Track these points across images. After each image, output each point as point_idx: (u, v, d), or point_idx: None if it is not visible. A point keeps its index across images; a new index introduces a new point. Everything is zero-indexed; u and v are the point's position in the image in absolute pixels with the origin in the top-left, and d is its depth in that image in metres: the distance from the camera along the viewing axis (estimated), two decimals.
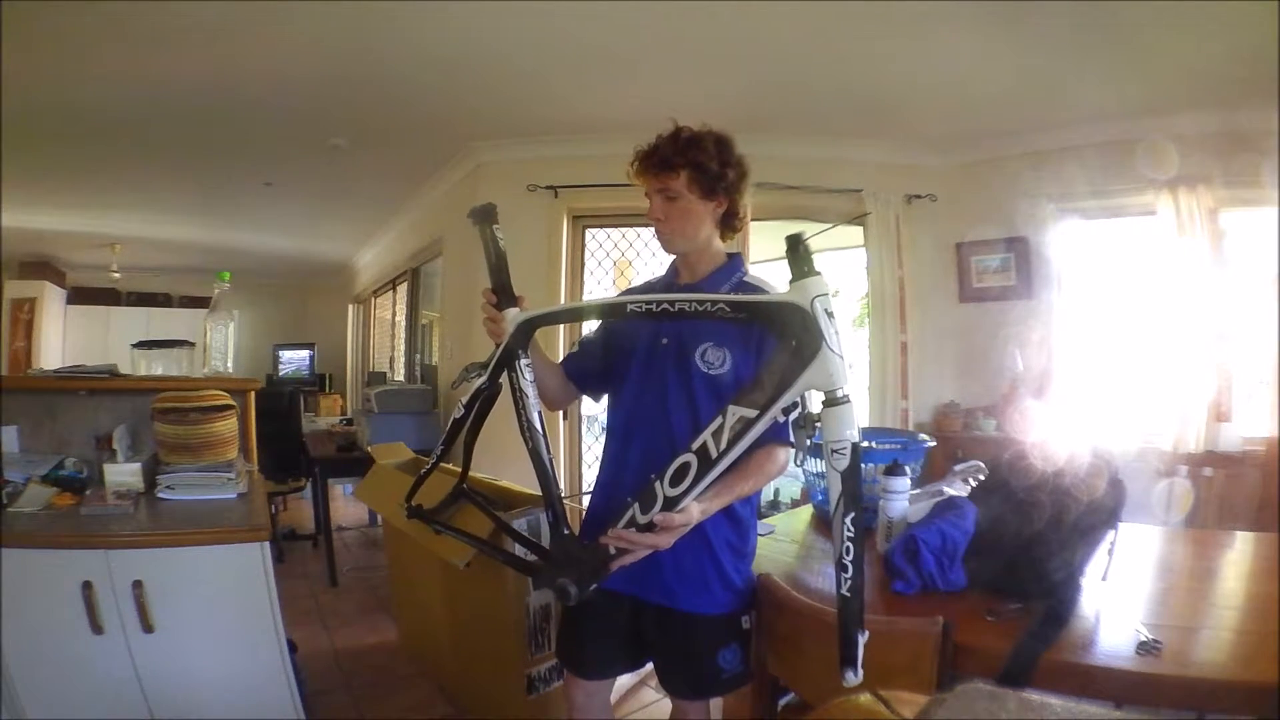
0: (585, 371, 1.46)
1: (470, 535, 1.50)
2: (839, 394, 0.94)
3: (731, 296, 1.06)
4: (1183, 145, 3.01)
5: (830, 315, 0.94)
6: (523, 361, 1.28)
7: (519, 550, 1.45)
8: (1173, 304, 3.15)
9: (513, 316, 1.29)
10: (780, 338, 0.99)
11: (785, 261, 0.97)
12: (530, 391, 1.27)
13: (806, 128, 3.45)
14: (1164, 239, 3.18)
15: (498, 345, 1.31)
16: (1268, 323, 2.84)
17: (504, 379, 1.31)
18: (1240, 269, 3.04)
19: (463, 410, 1.36)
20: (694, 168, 1.28)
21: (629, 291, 1.54)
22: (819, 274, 0.95)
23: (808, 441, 1.05)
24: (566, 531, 1.23)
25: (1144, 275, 3.31)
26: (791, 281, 0.96)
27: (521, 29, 2.51)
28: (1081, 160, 3.21)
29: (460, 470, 1.54)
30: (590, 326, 1.58)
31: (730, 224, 1.37)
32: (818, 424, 0.97)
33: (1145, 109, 3.02)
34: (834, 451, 0.94)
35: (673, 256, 1.42)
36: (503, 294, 1.30)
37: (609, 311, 1.32)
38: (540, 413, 1.28)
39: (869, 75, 2.87)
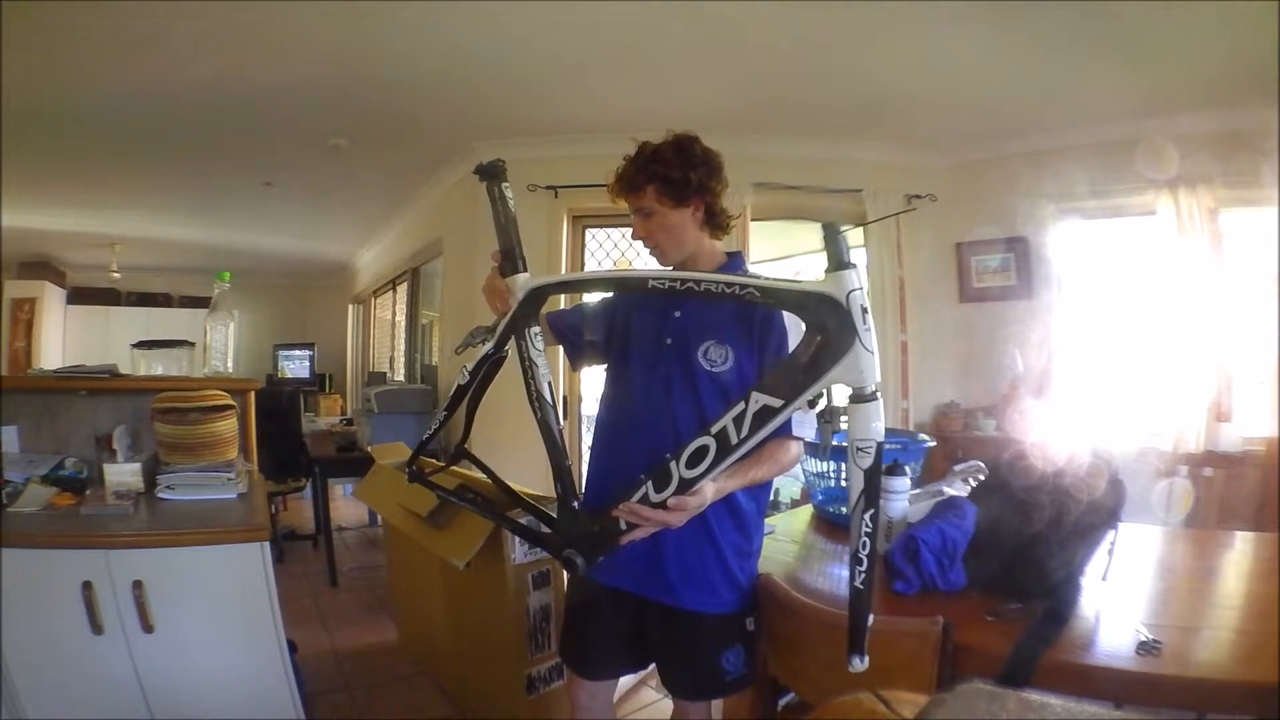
0: (574, 336, 1.44)
1: (476, 502, 1.46)
2: (867, 390, 0.93)
3: (760, 281, 1.03)
4: (1183, 145, 3.01)
5: (865, 311, 0.92)
6: (533, 329, 1.24)
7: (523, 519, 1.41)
8: (1173, 304, 3.15)
9: (523, 282, 1.25)
10: (810, 328, 0.96)
11: (823, 246, 0.94)
12: (540, 361, 1.24)
13: (806, 128, 3.45)
14: (1164, 239, 3.18)
15: (501, 315, 1.27)
16: (1268, 323, 2.84)
17: (510, 347, 1.27)
18: (1240, 269, 3.04)
19: (467, 377, 1.32)
20: (658, 180, 1.29)
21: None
22: (854, 266, 0.92)
23: (832, 435, 1.04)
24: (575, 504, 1.20)
25: (1144, 275, 3.31)
26: (827, 272, 0.93)
27: (522, 29, 2.51)
28: (1081, 160, 3.20)
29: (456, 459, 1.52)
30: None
31: (715, 222, 1.35)
32: (843, 417, 0.96)
33: (1145, 109, 3.02)
34: (859, 449, 0.94)
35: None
36: (509, 258, 1.26)
37: (628, 284, 1.28)
38: (550, 383, 1.24)
39: (869, 75, 2.87)
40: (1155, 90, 2.87)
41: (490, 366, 1.30)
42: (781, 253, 4.94)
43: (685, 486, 1.05)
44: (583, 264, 3.78)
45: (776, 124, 3.35)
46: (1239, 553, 1.64)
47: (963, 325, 3.73)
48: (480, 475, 1.49)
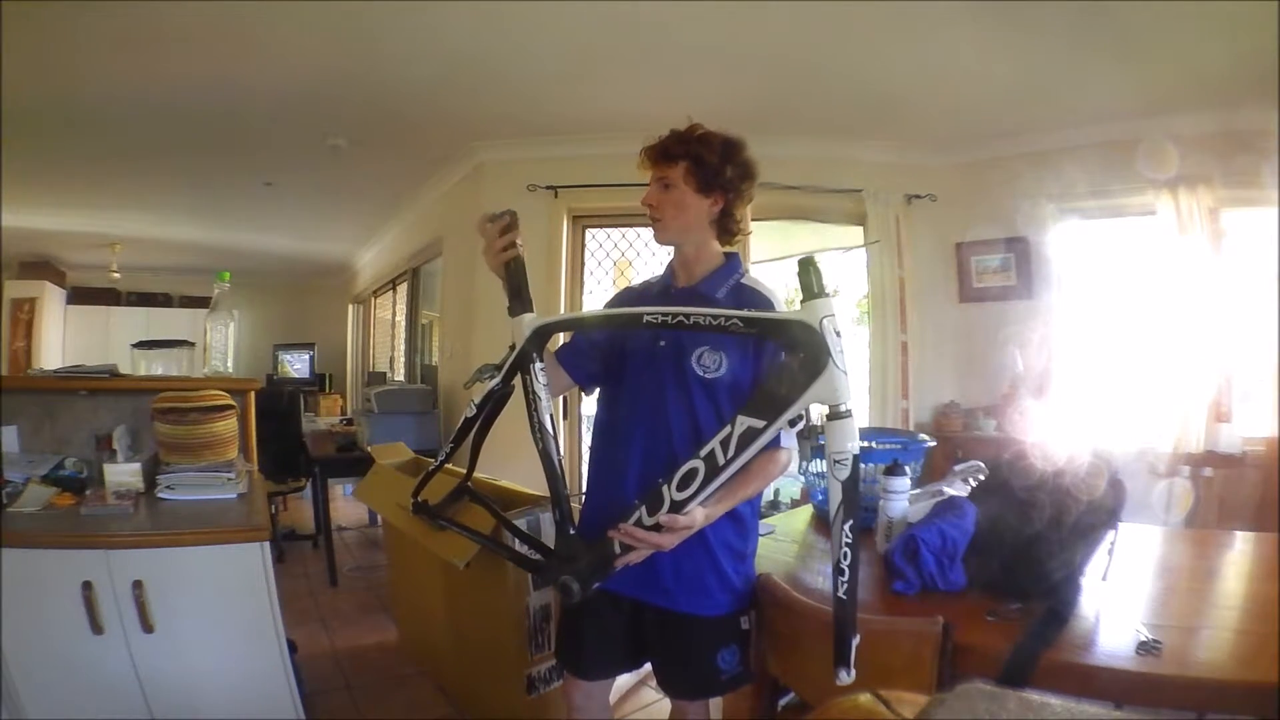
0: (580, 365, 1.45)
1: (475, 531, 1.51)
2: (842, 408, 1.01)
3: (745, 313, 1.11)
4: (1183, 145, 3.01)
5: (838, 335, 1.02)
6: (537, 365, 1.29)
7: (520, 547, 1.45)
8: (1173, 304, 3.15)
9: (529, 321, 1.30)
10: (789, 352, 1.05)
11: (797, 280, 1.05)
12: (543, 394, 1.29)
13: (806, 128, 3.45)
14: (1164, 239, 3.18)
15: (511, 348, 1.31)
16: (1268, 323, 2.84)
17: (516, 381, 1.33)
18: (1240, 269, 3.04)
19: (474, 410, 1.38)
20: (693, 160, 1.29)
21: (629, 290, 1.53)
22: (828, 295, 1.02)
23: (810, 450, 1.10)
24: (572, 531, 1.25)
25: (1144, 275, 3.31)
26: (803, 301, 1.03)
27: (521, 29, 2.51)
28: (1081, 160, 3.21)
29: (465, 470, 1.55)
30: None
31: (727, 226, 1.35)
32: (820, 434, 1.04)
33: (1145, 109, 3.02)
34: (836, 462, 1.00)
35: (669, 257, 1.42)
36: (517, 300, 1.31)
37: (624, 322, 1.31)
38: (552, 415, 1.29)
39: (870, 75, 2.87)
40: (1155, 90, 2.87)
41: (496, 401, 1.36)
42: (781, 253, 4.94)
43: (677, 508, 1.10)
44: (583, 264, 3.78)
45: (776, 124, 3.35)
46: (1239, 553, 1.64)
47: (963, 325, 3.73)
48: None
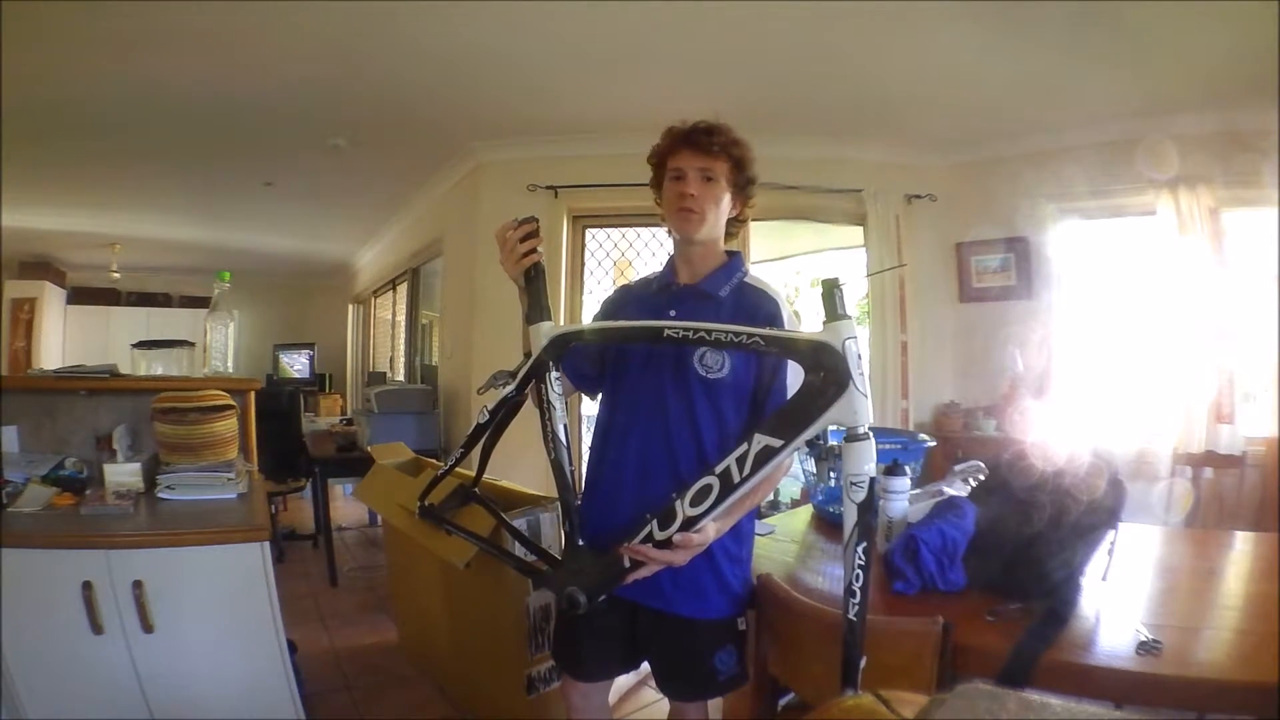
0: (581, 371, 1.45)
1: (476, 536, 1.51)
2: (860, 430, 1.00)
3: (766, 331, 1.11)
4: (1183, 145, 3.01)
5: (859, 357, 1.01)
6: (552, 375, 1.28)
7: (521, 551, 1.46)
8: (1173, 304, 3.15)
9: (547, 330, 1.29)
10: (810, 373, 1.04)
11: (821, 301, 1.05)
12: (558, 404, 1.27)
13: (806, 128, 3.45)
14: (1164, 239, 3.18)
15: (526, 355, 1.30)
16: (1268, 323, 2.84)
17: (530, 389, 1.32)
18: (1240, 269, 3.04)
19: (486, 416, 1.37)
20: (734, 161, 1.31)
21: (627, 288, 1.53)
22: (850, 317, 1.02)
23: (829, 473, 1.09)
24: (581, 543, 1.24)
25: (1144, 275, 3.31)
26: (825, 323, 1.03)
27: (521, 29, 2.51)
28: (1081, 160, 3.21)
29: (474, 474, 1.55)
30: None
31: (731, 230, 1.40)
32: (838, 457, 1.03)
33: (1145, 109, 3.02)
34: (852, 484, 1.00)
35: (670, 255, 1.42)
36: (535, 307, 1.31)
37: (645, 333, 1.28)
38: (566, 425, 1.28)
39: (869, 75, 2.87)
40: (1155, 90, 2.87)
41: (509, 409, 1.35)
42: (781, 253, 4.95)
43: (690, 524, 1.09)
44: (583, 264, 3.78)
45: (776, 124, 3.35)
46: (1239, 553, 1.64)
47: (963, 325, 3.73)
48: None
